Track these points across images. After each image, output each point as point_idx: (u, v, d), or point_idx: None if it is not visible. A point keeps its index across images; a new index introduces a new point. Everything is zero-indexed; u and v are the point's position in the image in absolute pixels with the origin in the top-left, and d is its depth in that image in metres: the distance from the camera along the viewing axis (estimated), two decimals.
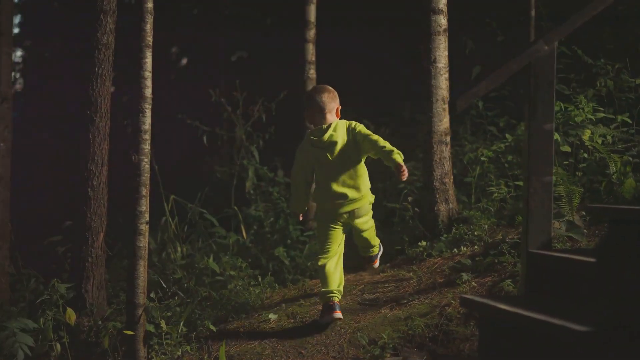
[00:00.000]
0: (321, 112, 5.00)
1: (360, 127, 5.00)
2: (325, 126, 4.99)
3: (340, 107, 5.09)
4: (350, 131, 5.00)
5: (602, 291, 3.15)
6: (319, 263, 5.11)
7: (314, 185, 5.26)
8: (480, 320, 3.88)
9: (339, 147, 4.96)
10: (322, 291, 5.05)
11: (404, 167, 4.81)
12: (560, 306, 3.58)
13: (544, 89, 3.91)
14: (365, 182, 5.06)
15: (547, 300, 3.73)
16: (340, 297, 5.06)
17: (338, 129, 4.98)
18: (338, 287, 5.06)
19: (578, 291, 3.54)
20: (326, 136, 4.96)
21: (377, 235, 5.48)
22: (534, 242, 3.91)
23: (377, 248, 5.53)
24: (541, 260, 3.82)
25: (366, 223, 5.18)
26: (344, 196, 5.00)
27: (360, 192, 5.02)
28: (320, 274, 5.11)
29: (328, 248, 5.11)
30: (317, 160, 5.04)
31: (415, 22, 6.53)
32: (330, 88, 5.08)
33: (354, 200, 5.02)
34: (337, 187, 4.99)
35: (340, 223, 5.10)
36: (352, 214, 5.07)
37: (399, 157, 4.83)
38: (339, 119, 5.08)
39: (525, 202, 3.95)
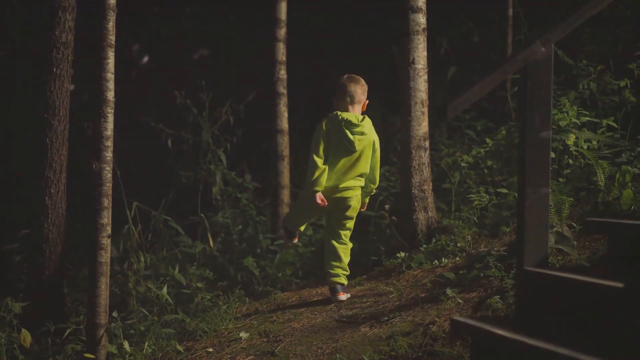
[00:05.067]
0: (351, 102, 5.11)
1: (378, 143, 5.20)
2: (359, 116, 5.09)
3: (368, 101, 5.22)
4: (374, 140, 5.15)
5: (630, 319, 2.86)
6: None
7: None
8: (473, 344, 3.59)
9: (365, 143, 5.08)
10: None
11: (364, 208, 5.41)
12: (563, 332, 3.29)
13: (541, 95, 3.62)
14: (363, 182, 5.21)
15: (547, 325, 3.43)
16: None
17: (368, 125, 5.12)
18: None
19: (586, 316, 3.25)
20: (361, 128, 5.06)
21: (350, 240, 5.35)
22: (529, 260, 3.62)
23: (344, 277, 5.26)
24: (540, 280, 3.52)
25: (350, 212, 5.20)
26: (344, 187, 5.12)
27: (356, 185, 5.15)
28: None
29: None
30: (340, 142, 5.06)
31: (390, 20, 6.25)
32: (363, 81, 5.19)
33: (348, 189, 5.13)
34: (340, 176, 5.11)
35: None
36: (341, 201, 5.16)
37: (368, 197, 5.33)
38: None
39: (520, 215, 3.66)
